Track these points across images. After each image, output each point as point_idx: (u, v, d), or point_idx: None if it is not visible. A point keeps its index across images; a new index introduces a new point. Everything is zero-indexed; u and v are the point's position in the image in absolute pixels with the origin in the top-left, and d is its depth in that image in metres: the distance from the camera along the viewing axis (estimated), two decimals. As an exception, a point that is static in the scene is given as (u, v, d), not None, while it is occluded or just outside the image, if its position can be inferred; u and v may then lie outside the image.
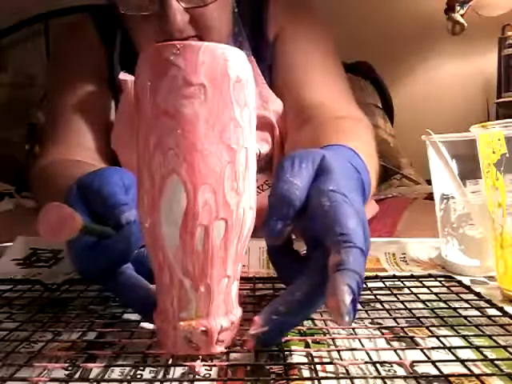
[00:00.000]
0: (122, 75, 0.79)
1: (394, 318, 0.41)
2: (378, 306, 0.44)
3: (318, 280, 0.34)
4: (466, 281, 0.52)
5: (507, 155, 0.44)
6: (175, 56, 0.33)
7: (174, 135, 0.32)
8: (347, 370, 0.33)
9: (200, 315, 0.34)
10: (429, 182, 0.88)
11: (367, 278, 0.51)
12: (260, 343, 0.34)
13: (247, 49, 0.83)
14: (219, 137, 0.33)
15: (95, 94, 0.83)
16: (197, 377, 0.32)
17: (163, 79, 0.33)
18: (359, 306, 0.44)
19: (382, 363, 0.34)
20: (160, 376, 0.33)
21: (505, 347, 0.35)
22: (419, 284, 0.50)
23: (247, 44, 0.84)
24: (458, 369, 0.33)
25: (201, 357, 0.34)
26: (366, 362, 0.33)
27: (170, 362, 0.34)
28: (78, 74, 0.84)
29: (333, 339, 0.37)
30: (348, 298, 0.30)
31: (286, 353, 0.35)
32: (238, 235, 0.35)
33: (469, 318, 0.40)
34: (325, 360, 0.34)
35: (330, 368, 0.33)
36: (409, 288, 0.49)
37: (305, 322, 0.41)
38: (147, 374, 0.33)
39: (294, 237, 0.40)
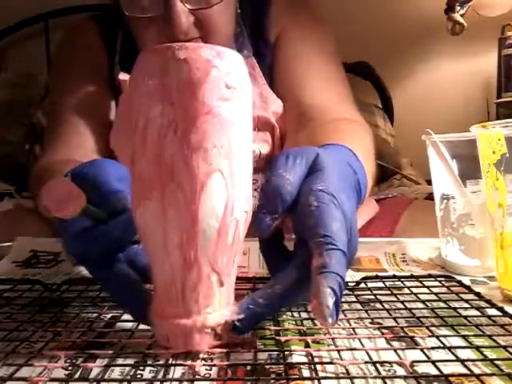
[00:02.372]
0: (122, 75, 0.79)
1: (394, 318, 0.41)
2: (378, 305, 0.44)
3: (298, 276, 0.35)
4: (466, 281, 0.52)
5: (507, 155, 0.44)
6: (215, 58, 0.34)
7: (217, 134, 0.34)
8: (347, 370, 0.33)
9: (221, 306, 0.36)
10: (429, 182, 0.88)
11: (367, 278, 0.51)
12: (235, 330, 0.35)
13: (248, 49, 0.83)
14: (245, 138, 0.36)
15: (96, 95, 0.83)
16: (197, 377, 0.32)
17: (205, 80, 0.33)
18: (359, 306, 0.44)
19: (382, 363, 0.34)
20: (160, 376, 0.33)
21: (505, 347, 0.35)
22: (419, 284, 0.50)
23: (248, 44, 0.84)
24: (457, 369, 0.33)
25: (201, 356, 0.35)
26: (366, 362, 0.33)
27: (170, 361, 0.34)
28: (79, 74, 0.85)
29: (333, 339, 0.37)
30: (331, 301, 0.32)
31: (286, 353, 0.35)
32: (248, 227, 0.37)
33: (469, 318, 0.40)
34: (325, 360, 0.34)
35: (330, 368, 0.33)
36: (409, 288, 0.49)
37: (305, 322, 0.41)
38: (147, 373, 0.33)
39: (286, 234, 0.41)
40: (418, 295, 0.47)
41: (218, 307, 0.36)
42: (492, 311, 0.43)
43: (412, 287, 0.49)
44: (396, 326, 0.40)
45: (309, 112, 0.77)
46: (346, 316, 0.42)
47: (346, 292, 0.48)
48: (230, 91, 0.34)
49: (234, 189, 0.35)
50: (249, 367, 0.34)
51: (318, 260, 0.33)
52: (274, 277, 0.37)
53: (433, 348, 0.36)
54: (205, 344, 0.35)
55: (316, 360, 0.34)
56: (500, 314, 0.42)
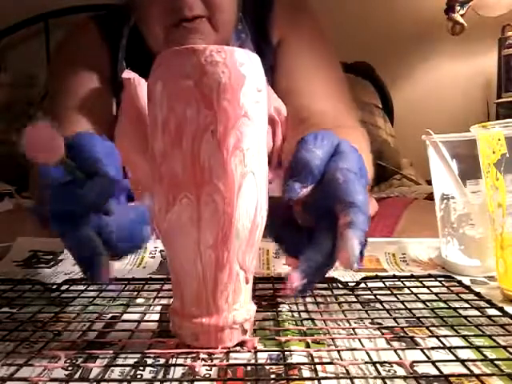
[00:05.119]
0: (126, 73, 0.80)
1: (394, 318, 0.41)
2: (378, 305, 0.44)
3: (331, 246, 0.38)
4: (466, 281, 0.52)
5: (507, 155, 0.44)
6: (247, 61, 0.35)
7: (251, 136, 0.35)
8: (347, 370, 0.33)
9: (246, 302, 0.37)
10: (429, 183, 0.88)
11: (367, 278, 0.51)
12: (301, 293, 0.38)
13: (250, 46, 0.86)
14: (265, 137, 0.37)
15: (95, 93, 0.84)
16: (197, 377, 0.32)
17: (243, 83, 0.34)
18: (359, 306, 0.45)
19: (382, 363, 0.34)
20: (160, 376, 0.33)
21: (505, 347, 0.35)
22: (419, 284, 0.50)
23: (250, 41, 0.86)
24: (457, 369, 0.33)
25: (201, 357, 0.35)
26: (366, 362, 0.33)
27: (170, 362, 0.34)
28: (79, 73, 0.85)
29: (333, 339, 0.37)
30: (357, 250, 0.36)
31: (286, 353, 0.35)
32: None
33: (469, 318, 0.41)
34: (325, 360, 0.34)
35: (330, 368, 0.33)
36: (409, 288, 0.49)
37: (305, 322, 0.41)
38: (147, 373, 0.33)
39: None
40: (418, 295, 0.47)
41: (244, 303, 0.37)
42: (492, 311, 0.43)
43: (412, 287, 0.49)
44: (396, 326, 0.40)
45: (311, 118, 0.79)
46: (346, 316, 0.42)
47: (345, 292, 0.49)
48: (260, 94, 0.35)
49: (261, 189, 0.36)
50: (249, 367, 0.34)
51: (346, 218, 0.37)
52: (311, 248, 0.39)
53: (433, 348, 0.36)
54: (234, 339, 0.36)
55: (316, 360, 0.34)
56: (500, 314, 0.42)
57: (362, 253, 0.37)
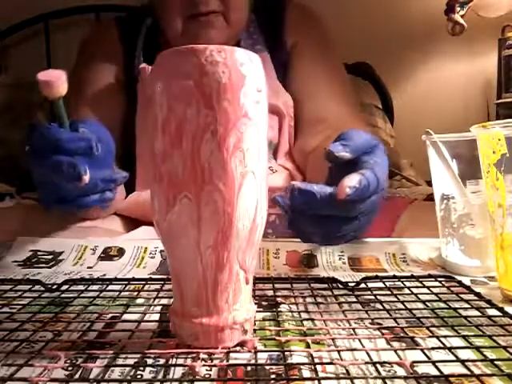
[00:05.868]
0: (142, 65, 0.87)
1: (394, 319, 0.41)
2: (378, 306, 0.44)
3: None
4: (466, 281, 0.52)
5: (507, 155, 0.44)
6: (248, 62, 0.35)
7: (252, 136, 0.35)
8: (347, 371, 0.33)
9: (246, 302, 0.37)
10: (429, 183, 0.88)
11: (367, 278, 0.51)
12: (301, 194, 0.44)
13: (262, 45, 0.91)
14: (265, 137, 0.37)
15: (108, 89, 0.90)
16: (197, 377, 0.32)
17: (243, 83, 0.34)
18: (359, 306, 0.45)
19: (383, 363, 0.34)
20: (160, 376, 0.33)
21: (505, 347, 0.35)
22: (419, 284, 0.50)
23: (262, 40, 0.91)
24: (458, 369, 0.33)
25: (201, 357, 0.35)
26: (367, 363, 0.33)
27: (170, 362, 0.34)
28: (94, 69, 0.92)
29: (333, 339, 0.37)
30: (354, 182, 0.43)
31: (286, 353, 0.35)
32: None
33: (469, 319, 0.40)
34: (325, 360, 0.34)
35: (330, 368, 0.33)
36: (409, 288, 0.49)
37: (305, 322, 0.41)
38: (147, 374, 0.33)
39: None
40: (418, 295, 0.47)
41: (244, 303, 0.37)
42: (492, 311, 0.43)
43: (412, 287, 0.49)
44: (396, 327, 0.40)
45: (327, 118, 0.85)
46: (346, 316, 0.42)
47: (345, 292, 0.49)
48: (260, 94, 0.36)
49: (261, 188, 0.36)
50: (249, 367, 0.34)
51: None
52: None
53: (433, 348, 0.36)
54: (235, 339, 0.36)
55: (316, 360, 0.34)
56: (500, 314, 0.42)
57: (359, 190, 0.43)
